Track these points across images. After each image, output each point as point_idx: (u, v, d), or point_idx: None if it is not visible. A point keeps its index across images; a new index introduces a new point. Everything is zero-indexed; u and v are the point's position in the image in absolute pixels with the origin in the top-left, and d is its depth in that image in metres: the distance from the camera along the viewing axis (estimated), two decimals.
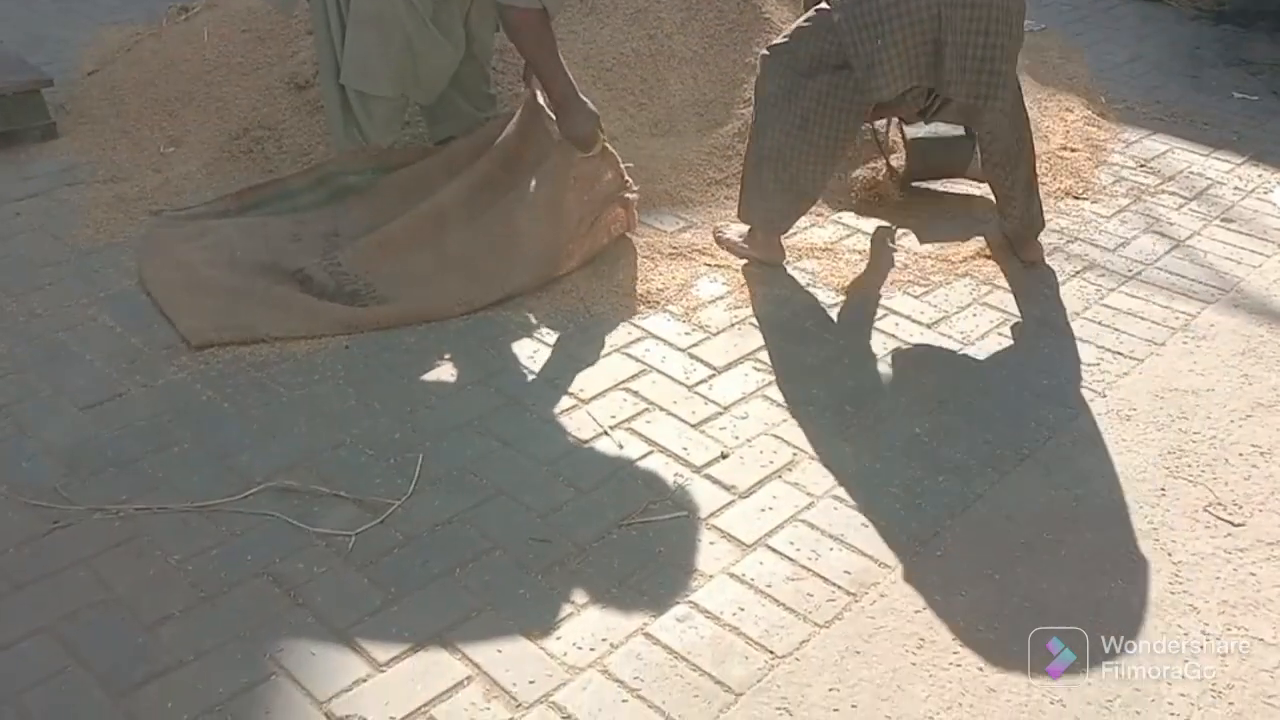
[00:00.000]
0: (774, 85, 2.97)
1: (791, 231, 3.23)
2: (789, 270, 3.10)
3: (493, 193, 3.03)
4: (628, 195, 3.09)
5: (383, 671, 1.89)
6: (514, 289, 2.90)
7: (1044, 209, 3.20)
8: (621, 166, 3.07)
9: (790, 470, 2.39)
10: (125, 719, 1.80)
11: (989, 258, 3.20)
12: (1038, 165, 3.69)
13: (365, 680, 1.88)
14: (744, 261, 3.12)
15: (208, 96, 3.74)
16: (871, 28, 2.75)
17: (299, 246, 3.03)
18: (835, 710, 1.86)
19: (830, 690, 1.90)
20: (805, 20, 2.93)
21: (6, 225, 3.18)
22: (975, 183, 3.53)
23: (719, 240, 3.19)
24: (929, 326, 2.90)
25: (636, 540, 2.18)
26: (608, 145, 3.04)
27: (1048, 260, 3.20)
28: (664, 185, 3.42)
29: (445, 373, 2.66)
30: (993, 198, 3.28)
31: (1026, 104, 4.03)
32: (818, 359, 2.76)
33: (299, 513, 2.21)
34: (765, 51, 3.01)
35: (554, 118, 3.00)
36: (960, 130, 3.43)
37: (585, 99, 2.96)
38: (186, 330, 2.70)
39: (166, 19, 4.30)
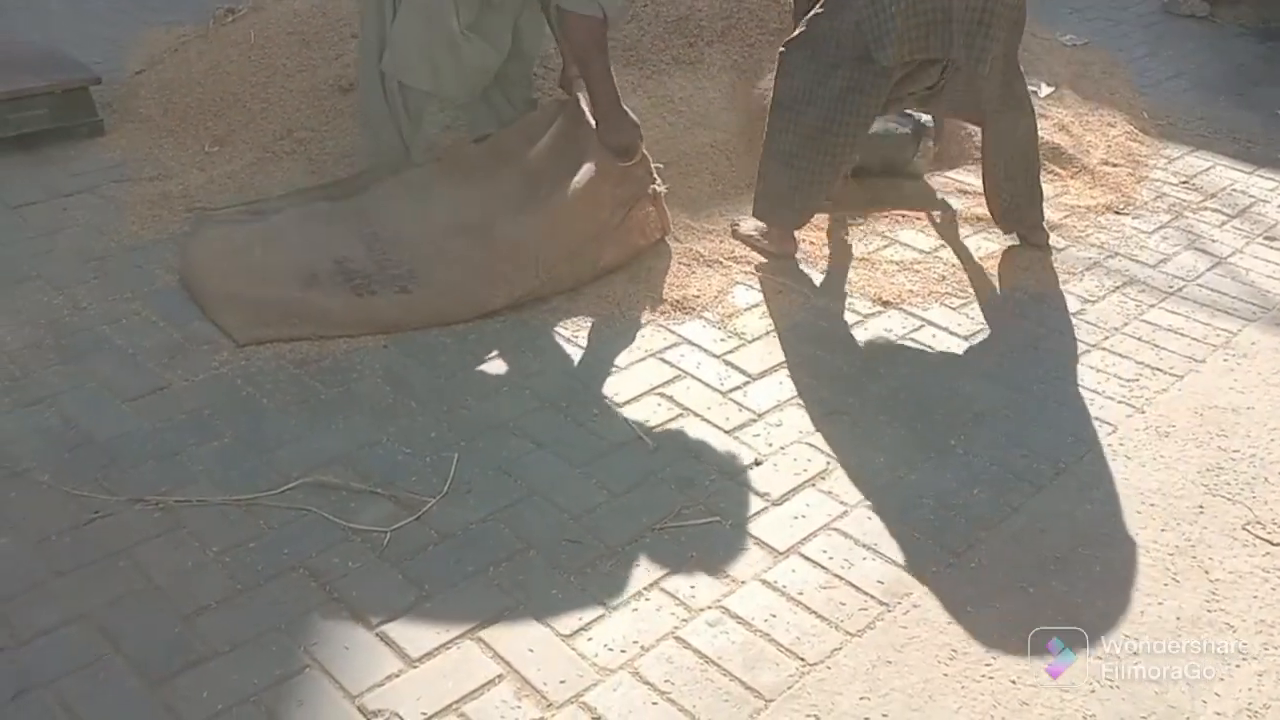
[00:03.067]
0: (793, 83, 3.00)
1: (828, 240, 3.23)
2: (825, 279, 3.10)
3: (535, 185, 3.04)
4: (656, 190, 3.09)
5: (415, 667, 1.91)
6: (552, 277, 2.89)
7: (1081, 222, 3.19)
8: (652, 164, 3.08)
9: (824, 478, 2.38)
10: (160, 707, 1.82)
11: (1027, 271, 3.19)
12: (1078, 179, 3.69)
13: (398, 676, 1.89)
14: (780, 271, 3.11)
15: (253, 98, 3.79)
16: None
17: (332, 230, 3.04)
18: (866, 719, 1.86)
19: (861, 699, 1.89)
20: (820, 7, 2.96)
21: (54, 219, 3.23)
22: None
23: (736, 235, 3.24)
24: (966, 338, 2.89)
25: (669, 544, 2.19)
26: (644, 152, 3.05)
27: (1087, 275, 3.18)
28: (699, 192, 3.43)
29: (482, 374, 2.68)
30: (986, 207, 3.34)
31: (1068, 119, 4.03)
32: (853, 368, 2.75)
33: (336, 508, 2.23)
34: (783, 49, 3.04)
35: (594, 123, 3.02)
36: (907, 129, 3.54)
37: (628, 109, 2.98)
38: (232, 328, 2.73)
39: (214, 21, 4.36)
